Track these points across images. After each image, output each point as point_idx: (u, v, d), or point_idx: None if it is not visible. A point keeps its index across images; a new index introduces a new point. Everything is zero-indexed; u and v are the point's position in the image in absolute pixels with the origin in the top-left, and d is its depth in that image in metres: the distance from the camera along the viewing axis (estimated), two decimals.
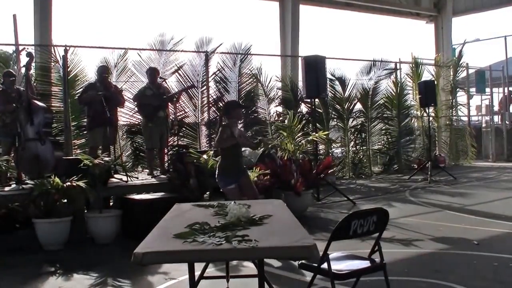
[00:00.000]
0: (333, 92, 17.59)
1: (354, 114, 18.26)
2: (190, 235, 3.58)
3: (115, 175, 10.41)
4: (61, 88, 12.28)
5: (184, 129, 14.34)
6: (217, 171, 8.14)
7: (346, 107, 17.72)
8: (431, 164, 16.14)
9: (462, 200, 12.21)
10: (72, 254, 8.15)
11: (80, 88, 11.92)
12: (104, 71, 10.97)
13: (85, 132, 11.87)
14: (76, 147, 12.33)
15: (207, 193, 10.02)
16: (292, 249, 3.29)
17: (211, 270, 5.87)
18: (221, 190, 8.24)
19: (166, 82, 11.95)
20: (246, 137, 8.34)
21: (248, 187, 8.18)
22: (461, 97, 22.43)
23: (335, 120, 17.62)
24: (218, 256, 3.40)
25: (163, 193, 9.86)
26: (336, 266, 4.45)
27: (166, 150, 11.66)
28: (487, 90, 22.85)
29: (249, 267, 6.30)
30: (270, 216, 4.27)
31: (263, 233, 3.70)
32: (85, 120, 11.30)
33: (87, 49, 13.15)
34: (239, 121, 8.57)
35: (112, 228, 8.91)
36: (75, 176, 8.68)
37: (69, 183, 8.53)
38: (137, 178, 10.90)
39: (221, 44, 14.91)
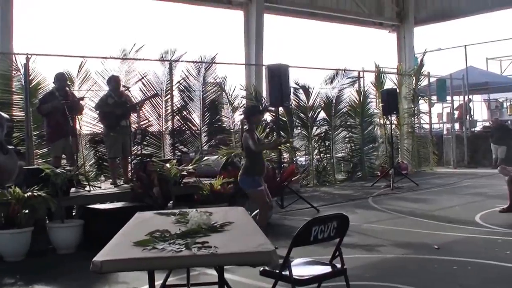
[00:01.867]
0: (297, 101, 17.69)
1: (318, 122, 18.36)
2: (150, 242, 3.58)
3: (78, 185, 10.30)
4: (23, 97, 12.11)
5: (148, 138, 14.30)
6: (244, 172, 8.37)
7: (310, 115, 17.81)
8: (394, 171, 16.28)
9: (423, 206, 12.35)
10: (33, 265, 8.05)
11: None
12: (62, 78, 10.84)
13: (45, 142, 11.74)
14: (38, 156, 12.20)
15: (171, 202, 9.98)
16: (251, 255, 3.31)
17: (172, 279, 5.85)
18: (247, 192, 8.55)
19: (129, 91, 11.91)
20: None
21: (267, 190, 8.47)
22: (423, 105, 22.77)
23: (299, 128, 17.72)
24: (177, 263, 3.40)
25: (125, 202, 9.80)
26: (297, 272, 4.48)
27: (129, 159, 11.59)
28: (448, 98, 23.14)
29: (213, 275, 6.31)
30: (231, 223, 4.29)
31: (224, 239, 3.71)
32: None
33: (49, 58, 13.01)
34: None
35: (74, 238, 8.85)
36: (36, 186, 8.60)
37: (30, 193, 8.44)
38: (100, 187, 10.80)
39: (185, 53, 14.94)
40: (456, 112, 24.50)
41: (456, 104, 24.30)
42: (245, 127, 8.56)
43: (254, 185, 8.27)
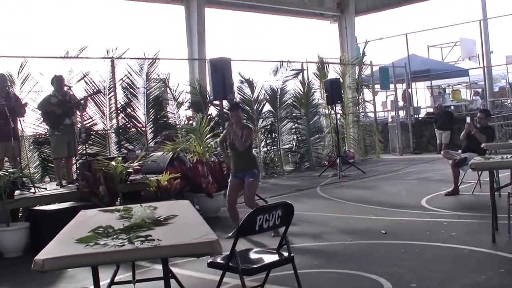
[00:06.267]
0: (242, 94, 17.77)
1: (264, 114, 18.46)
2: (92, 239, 3.53)
3: (23, 187, 10.11)
4: None
5: (92, 137, 14.15)
6: None
7: (255, 108, 17.89)
8: (341, 160, 16.43)
9: (370, 193, 12.52)
10: None
11: None
12: (4, 80, 10.65)
13: None
14: None
15: (118, 199, 9.89)
16: (194, 246, 3.29)
17: (121, 277, 5.79)
18: None
19: (71, 89, 11.76)
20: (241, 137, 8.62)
21: (247, 187, 8.68)
22: (367, 93, 23.05)
23: (245, 121, 17.70)
24: (120, 257, 3.36)
25: (72, 202, 9.69)
26: (245, 262, 4.49)
27: (75, 159, 11.44)
28: (391, 86, 23.44)
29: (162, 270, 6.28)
30: (176, 216, 4.27)
31: (167, 232, 3.69)
32: None
33: None
34: (238, 122, 8.89)
35: (20, 241, 8.71)
36: None
37: None
38: (45, 188, 10.63)
39: (127, 50, 14.80)
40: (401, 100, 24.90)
41: (399, 92, 24.61)
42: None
43: (230, 175, 8.94)
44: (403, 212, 9.78)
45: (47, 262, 3.18)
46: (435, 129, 20.89)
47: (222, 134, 9.37)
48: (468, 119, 11.86)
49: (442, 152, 12.65)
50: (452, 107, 25.42)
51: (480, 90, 27.58)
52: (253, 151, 9.53)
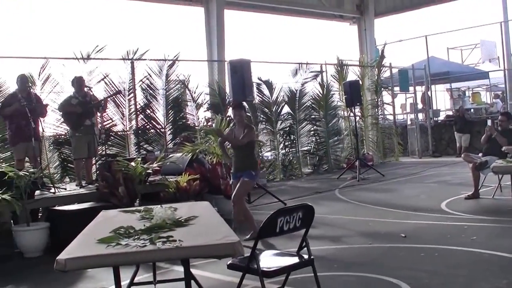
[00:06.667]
0: (261, 96, 17.76)
1: (282, 116, 18.44)
2: (114, 239, 3.54)
3: (43, 187, 10.16)
4: None
5: (112, 138, 14.20)
6: None
7: (274, 110, 17.88)
8: (360, 163, 16.36)
9: (390, 196, 12.44)
10: None
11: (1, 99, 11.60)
12: (25, 80, 10.70)
13: (8, 146, 11.55)
14: (1, 160, 12.00)
15: (137, 200, 9.92)
16: (216, 247, 3.30)
17: (140, 277, 5.80)
18: None
19: (91, 90, 11.81)
20: (238, 138, 8.74)
21: (239, 185, 8.67)
22: (386, 96, 22.96)
23: (263, 123, 17.75)
24: (142, 258, 3.37)
25: (91, 203, 9.72)
26: (265, 264, 4.47)
27: (94, 160, 11.49)
28: (411, 88, 23.33)
29: (181, 271, 6.27)
30: (196, 217, 4.27)
31: (188, 233, 3.70)
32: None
33: (8, 60, 12.81)
34: (240, 121, 8.92)
35: (40, 240, 8.74)
36: None
37: None
38: (65, 189, 10.68)
39: (146, 51, 14.82)
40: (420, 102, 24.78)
41: (419, 94, 24.49)
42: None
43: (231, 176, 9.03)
44: (423, 216, 9.72)
45: (69, 262, 3.20)
46: (455, 132, 20.78)
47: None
48: (489, 122, 11.79)
49: (462, 155, 12.56)
50: (472, 110, 25.27)
51: (500, 92, 27.35)
52: (255, 154, 9.46)
